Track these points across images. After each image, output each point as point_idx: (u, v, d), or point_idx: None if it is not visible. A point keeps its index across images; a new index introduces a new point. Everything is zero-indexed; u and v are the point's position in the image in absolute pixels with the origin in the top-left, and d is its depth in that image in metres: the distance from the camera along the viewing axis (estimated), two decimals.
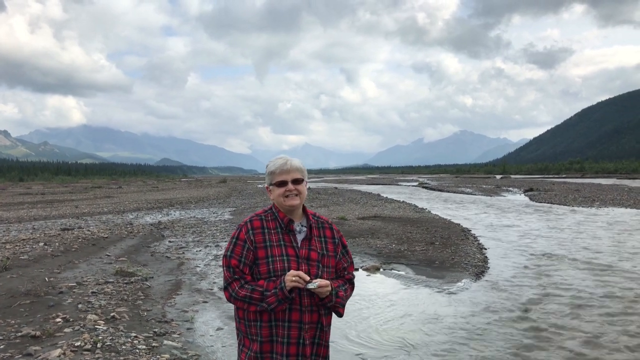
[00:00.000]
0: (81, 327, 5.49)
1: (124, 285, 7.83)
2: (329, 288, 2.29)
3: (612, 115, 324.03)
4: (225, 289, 2.37)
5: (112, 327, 5.57)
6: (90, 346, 4.84)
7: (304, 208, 2.49)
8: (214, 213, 22.68)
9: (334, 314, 2.47)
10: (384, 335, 6.00)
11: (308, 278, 2.25)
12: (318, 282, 2.25)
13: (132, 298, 7.07)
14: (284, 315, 2.29)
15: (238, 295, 2.30)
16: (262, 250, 2.33)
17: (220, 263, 10.02)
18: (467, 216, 20.59)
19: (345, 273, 2.52)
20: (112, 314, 6.06)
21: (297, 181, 2.41)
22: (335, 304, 2.36)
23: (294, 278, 2.22)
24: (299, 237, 2.41)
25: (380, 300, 7.54)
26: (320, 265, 2.38)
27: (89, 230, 14.78)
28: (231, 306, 7.21)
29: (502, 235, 14.67)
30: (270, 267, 2.31)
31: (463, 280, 8.66)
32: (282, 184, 2.39)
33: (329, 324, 2.45)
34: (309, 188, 2.62)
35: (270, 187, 2.45)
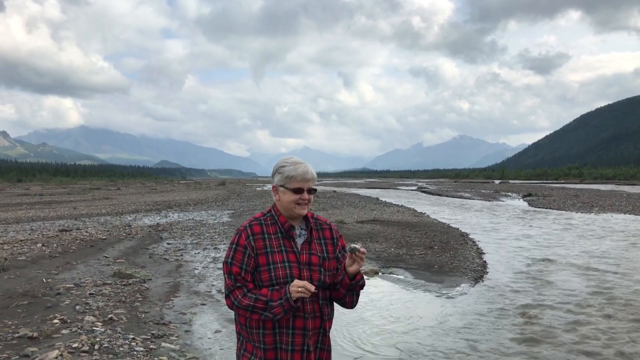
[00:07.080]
0: (79, 328, 5.47)
1: (122, 287, 7.81)
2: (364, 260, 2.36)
3: (611, 122, 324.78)
4: (226, 296, 2.31)
5: (109, 329, 5.55)
6: (88, 348, 4.82)
7: None
8: (212, 215, 22.64)
9: (333, 320, 2.45)
10: (382, 340, 5.99)
11: (313, 288, 2.21)
12: (359, 245, 2.29)
13: (130, 300, 7.05)
14: (287, 322, 2.25)
15: (241, 304, 2.24)
16: (263, 257, 2.27)
17: (219, 266, 9.99)
18: (466, 220, 20.59)
19: None
20: (109, 316, 6.04)
21: (311, 191, 2.36)
22: (361, 285, 2.41)
23: (300, 289, 2.18)
24: (299, 241, 2.35)
25: (379, 304, 7.53)
26: (322, 270, 2.35)
27: (87, 232, 14.74)
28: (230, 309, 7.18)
29: (500, 239, 14.66)
30: (272, 274, 2.25)
31: (462, 285, 8.65)
32: (298, 191, 2.31)
33: (330, 328, 2.43)
34: None
35: (282, 189, 2.34)
